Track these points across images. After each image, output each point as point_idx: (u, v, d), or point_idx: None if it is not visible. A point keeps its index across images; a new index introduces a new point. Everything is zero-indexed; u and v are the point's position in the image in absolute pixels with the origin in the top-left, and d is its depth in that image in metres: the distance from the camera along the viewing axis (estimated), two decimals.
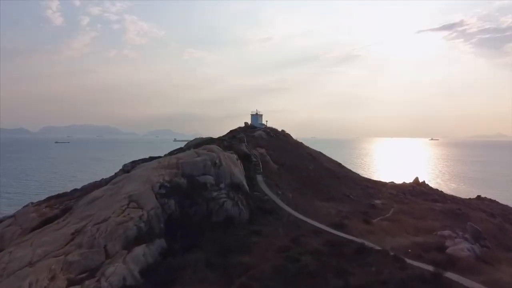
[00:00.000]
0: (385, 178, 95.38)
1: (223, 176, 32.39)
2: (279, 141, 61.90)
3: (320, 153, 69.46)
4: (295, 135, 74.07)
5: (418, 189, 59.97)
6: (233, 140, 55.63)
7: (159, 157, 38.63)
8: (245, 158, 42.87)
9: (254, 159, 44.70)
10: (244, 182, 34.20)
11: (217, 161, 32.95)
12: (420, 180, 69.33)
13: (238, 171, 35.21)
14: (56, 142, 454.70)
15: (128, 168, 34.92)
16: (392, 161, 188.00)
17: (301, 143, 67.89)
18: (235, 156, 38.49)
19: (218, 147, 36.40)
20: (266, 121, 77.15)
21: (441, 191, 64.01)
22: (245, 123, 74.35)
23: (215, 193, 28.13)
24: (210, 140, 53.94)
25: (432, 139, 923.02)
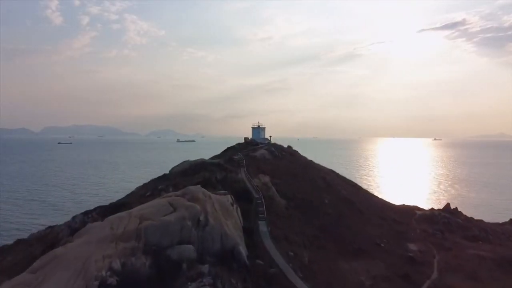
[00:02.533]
0: (404, 195, 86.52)
1: (209, 240, 22.15)
2: (285, 161, 51.51)
3: (332, 171, 59.23)
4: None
5: (453, 221, 49.73)
6: (230, 163, 45.19)
7: (122, 204, 28.22)
8: (244, 197, 32.57)
9: (256, 196, 34.31)
10: (242, 246, 23.83)
11: (201, 218, 22.66)
12: (447, 203, 60.60)
13: (232, 227, 24.87)
14: (59, 143, 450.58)
15: (76, 225, 24.56)
16: (403, 167, 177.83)
17: (311, 161, 57.47)
18: (229, 200, 28.15)
19: (205, 191, 25.94)
20: (270, 136, 65.41)
21: (477, 220, 53.69)
22: (245, 138, 62.37)
23: (192, 285, 17.78)
24: (201, 165, 43.50)
25: (435, 139, 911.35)
